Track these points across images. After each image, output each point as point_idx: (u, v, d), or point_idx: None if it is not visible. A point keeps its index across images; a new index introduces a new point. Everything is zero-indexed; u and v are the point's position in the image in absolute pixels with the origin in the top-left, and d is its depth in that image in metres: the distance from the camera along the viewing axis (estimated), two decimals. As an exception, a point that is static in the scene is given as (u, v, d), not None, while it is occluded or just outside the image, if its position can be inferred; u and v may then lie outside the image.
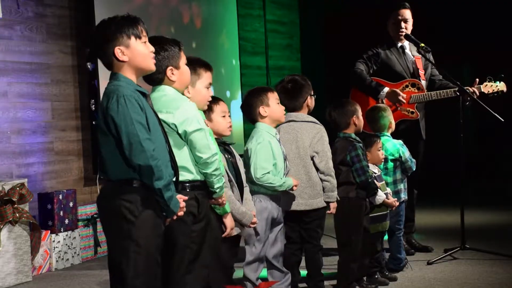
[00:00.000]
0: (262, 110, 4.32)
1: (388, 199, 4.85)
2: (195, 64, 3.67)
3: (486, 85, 5.81)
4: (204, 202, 3.45)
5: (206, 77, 3.70)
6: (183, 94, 3.52)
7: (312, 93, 4.66)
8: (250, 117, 4.39)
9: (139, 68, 3.16)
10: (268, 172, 4.20)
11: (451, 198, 7.15)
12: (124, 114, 3.00)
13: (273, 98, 4.34)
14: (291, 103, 4.60)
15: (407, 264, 5.27)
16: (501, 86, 5.83)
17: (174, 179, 3.20)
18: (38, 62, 6.21)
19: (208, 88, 3.71)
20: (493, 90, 5.80)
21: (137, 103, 3.04)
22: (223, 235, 3.72)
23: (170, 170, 3.15)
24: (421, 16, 6.07)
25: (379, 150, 4.93)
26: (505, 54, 8.75)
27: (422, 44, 5.80)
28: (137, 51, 3.12)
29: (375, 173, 4.87)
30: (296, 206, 4.49)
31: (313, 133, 4.53)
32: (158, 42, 3.36)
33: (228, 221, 3.71)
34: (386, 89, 5.80)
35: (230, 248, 4.03)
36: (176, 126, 3.33)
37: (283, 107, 4.40)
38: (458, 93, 5.68)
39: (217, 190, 3.47)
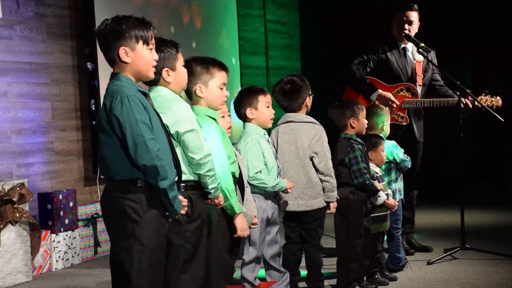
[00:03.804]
0: (249, 112, 4.30)
1: (388, 200, 4.85)
2: (208, 64, 3.68)
3: (481, 99, 5.79)
4: (198, 202, 3.44)
5: (219, 76, 3.69)
6: (180, 95, 3.53)
7: (310, 93, 4.65)
8: (239, 117, 4.39)
9: (139, 73, 3.16)
10: (260, 171, 4.19)
11: (451, 198, 7.15)
12: (129, 115, 3.01)
13: (263, 101, 4.30)
14: (289, 104, 4.58)
15: (407, 264, 5.28)
16: (496, 100, 5.81)
17: (176, 178, 3.21)
18: (38, 62, 6.21)
19: (222, 88, 3.71)
20: (487, 104, 5.78)
21: (141, 103, 3.06)
22: (235, 236, 3.72)
23: (173, 170, 3.16)
24: (421, 16, 6.05)
25: (383, 151, 4.94)
26: (504, 53, 8.75)
27: (422, 44, 5.79)
28: (141, 56, 3.14)
29: (377, 174, 4.87)
30: (296, 207, 4.49)
31: (312, 133, 4.52)
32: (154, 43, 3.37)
33: (238, 222, 3.70)
34: (379, 91, 5.78)
35: (230, 248, 4.02)
36: (168, 127, 3.33)
37: (273, 111, 4.36)
38: (458, 93, 5.67)
39: (212, 191, 3.47)
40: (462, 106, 5.67)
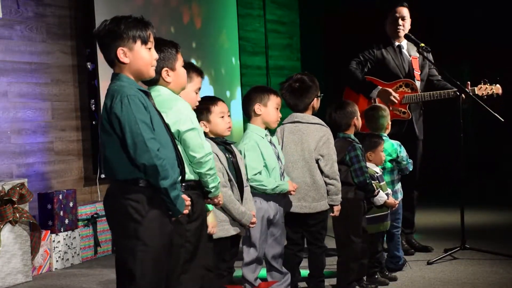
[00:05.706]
0: (257, 107, 4.30)
1: (388, 199, 4.85)
2: (188, 68, 3.75)
3: (481, 87, 5.77)
4: (198, 202, 3.46)
5: (197, 81, 3.79)
6: (178, 95, 3.55)
7: (319, 94, 4.61)
8: (246, 112, 4.39)
9: (138, 72, 3.17)
10: (260, 172, 4.18)
11: (451, 198, 7.15)
12: (128, 114, 3.01)
13: (273, 101, 4.32)
14: (296, 103, 4.55)
15: (406, 264, 5.28)
16: (496, 88, 5.79)
17: (180, 178, 3.21)
18: (38, 62, 6.21)
19: (197, 93, 3.80)
20: (487, 92, 5.76)
21: (141, 103, 3.06)
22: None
23: (176, 169, 3.16)
24: (421, 16, 6.06)
25: (382, 151, 4.94)
26: (503, 53, 8.75)
27: (422, 44, 5.79)
28: (140, 56, 3.14)
29: (377, 173, 4.87)
30: (299, 209, 4.46)
31: (319, 135, 4.48)
32: (155, 44, 3.37)
33: (209, 219, 3.70)
34: (379, 88, 5.80)
35: (230, 248, 4.03)
36: (169, 126, 3.34)
37: (280, 115, 4.37)
38: (458, 93, 5.67)
39: (212, 190, 3.48)
40: (462, 99, 5.65)
